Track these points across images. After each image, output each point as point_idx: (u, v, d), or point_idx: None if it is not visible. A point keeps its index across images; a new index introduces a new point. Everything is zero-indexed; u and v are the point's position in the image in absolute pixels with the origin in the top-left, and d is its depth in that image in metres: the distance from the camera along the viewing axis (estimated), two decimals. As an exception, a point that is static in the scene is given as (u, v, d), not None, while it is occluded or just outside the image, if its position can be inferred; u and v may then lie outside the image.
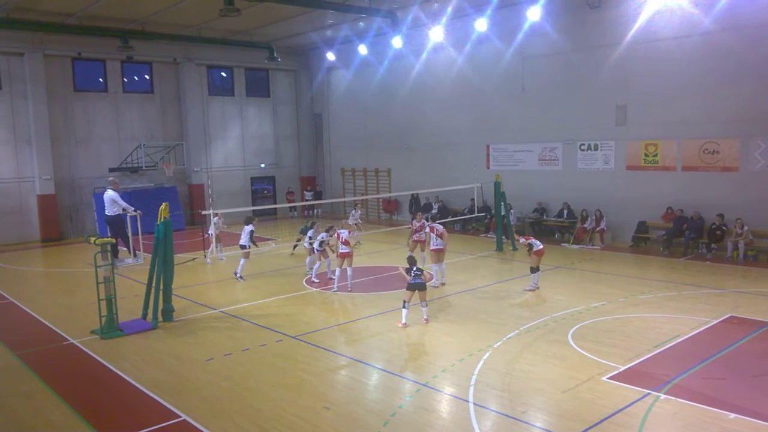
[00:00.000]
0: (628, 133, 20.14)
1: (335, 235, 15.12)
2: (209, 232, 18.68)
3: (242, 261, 16.58)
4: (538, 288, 14.31)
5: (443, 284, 15.03)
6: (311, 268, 16.45)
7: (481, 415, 7.90)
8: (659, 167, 19.55)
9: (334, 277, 15.18)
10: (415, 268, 11.88)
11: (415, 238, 16.16)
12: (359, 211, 24.26)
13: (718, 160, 18.30)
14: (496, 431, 7.55)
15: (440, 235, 14.66)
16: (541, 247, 14.40)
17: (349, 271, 14.79)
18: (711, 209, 18.12)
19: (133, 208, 16.18)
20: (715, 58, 17.92)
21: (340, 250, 14.72)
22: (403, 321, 11.67)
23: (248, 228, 16.83)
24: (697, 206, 18.44)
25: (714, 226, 17.87)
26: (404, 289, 11.97)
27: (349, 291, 14.66)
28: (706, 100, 18.25)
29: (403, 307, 11.72)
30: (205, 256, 19.37)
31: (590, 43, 20.68)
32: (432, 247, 14.80)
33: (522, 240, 14.79)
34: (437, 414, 8.12)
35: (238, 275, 16.45)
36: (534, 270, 14.35)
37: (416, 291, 11.76)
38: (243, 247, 16.88)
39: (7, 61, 24.45)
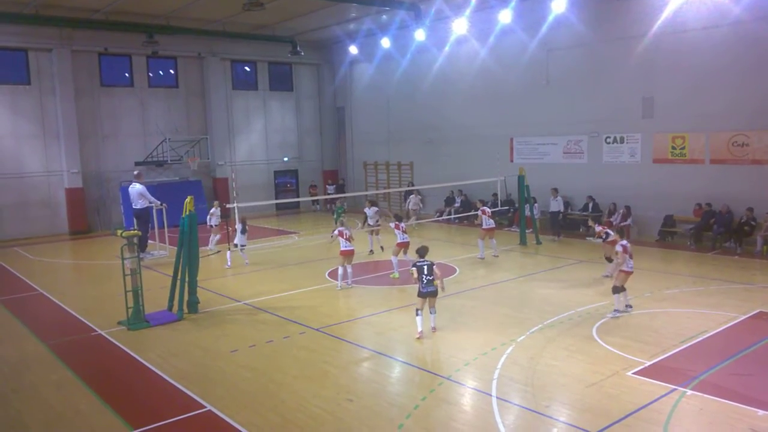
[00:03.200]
0: (655, 125, 19.82)
1: (337, 232, 14.62)
2: (211, 223, 19.66)
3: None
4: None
5: (496, 257, 17.56)
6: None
7: (504, 409, 7.86)
8: (687, 160, 19.21)
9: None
10: (426, 268, 10.70)
11: (400, 241, 15.41)
12: (419, 196, 24.20)
13: (747, 153, 17.92)
14: (520, 425, 7.51)
15: (491, 216, 17.58)
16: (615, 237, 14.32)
17: (349, 269, 14.54)
18: (740, 203, 17.76)
19: (159, 202, 16.44)
20: (745, 48, 17.52)
21: (343, 248, 14.40)
22: (420, 329, 10.78)
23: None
24: (725, 200, 18.08)
25: (743, 221, 17.53)
26: (416, 296, 11.01)
27: (350, 286, 14.52)
28: (735, 92, 17.87)
29: (417, 315, 10.81)
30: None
31: (616, 34, 20.35)
32: (484, 227, 17.40)
33: (599, 228, 14.70)
34: (460, 407, 8.10)
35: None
36: (610, 259, 13.95)
37: (427, 298, 10.88)
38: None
39: (36, 56, 24.88)
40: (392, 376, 9.42)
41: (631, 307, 11.78)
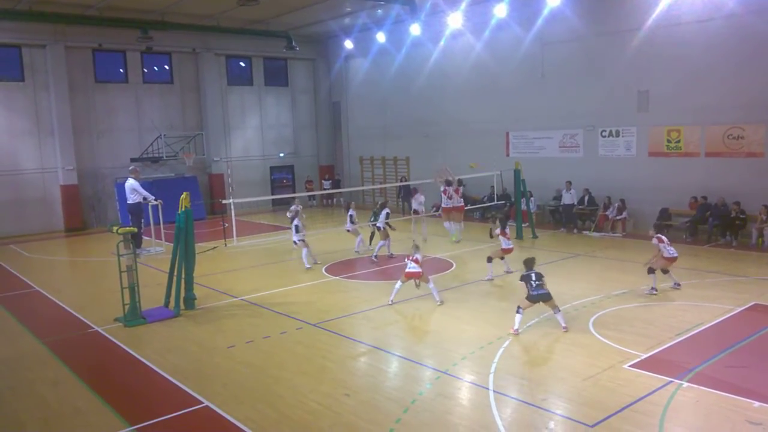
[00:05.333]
0: (651, 119, 19.84)
1: (408, 257, 12.78)
2: (295, 223, 17.08)
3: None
4: (493, 279, 14.21)
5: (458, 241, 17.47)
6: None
7: (502, 402, 7.88)
8: (682, 153, 19.24)
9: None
10: (534, 274, 10.51)
11: (446, 206, 17.34)
12: (423, 196, 22.08)
13: (742, 146, 17.96)
14: (517, 419, 7.53)
15: (450, 197, 17.49)
16: (509, 247, 14.35)
17: (432, 288, 12.56)
18: (735, 196, 17.79)
19: (153, 198, 16.37)
20: (740, 41, 17.53)
21: (408, 269, 12.36)
22: (516, 327, 10.36)
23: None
24: (721, 193, 18.13)
25: (733, 215, 17.57)
26: (524, 299, 10.54)
27: (439, 303, 12.58)
28: (730, 85, 17.89)
29: (517, 312, 10.41)
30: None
31: (611, 27, 20.34)
32: (445, 206, 17.39)
33: (498, 231, 14.47)
34: (457, 401, 8.12)
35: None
36: (490, 260, 14.33)
37: (539, 302, 10.48)
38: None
39: (30, 53, 24.75)
40: (389, 370, 9.43)
41: (678, 285, 12.89)
